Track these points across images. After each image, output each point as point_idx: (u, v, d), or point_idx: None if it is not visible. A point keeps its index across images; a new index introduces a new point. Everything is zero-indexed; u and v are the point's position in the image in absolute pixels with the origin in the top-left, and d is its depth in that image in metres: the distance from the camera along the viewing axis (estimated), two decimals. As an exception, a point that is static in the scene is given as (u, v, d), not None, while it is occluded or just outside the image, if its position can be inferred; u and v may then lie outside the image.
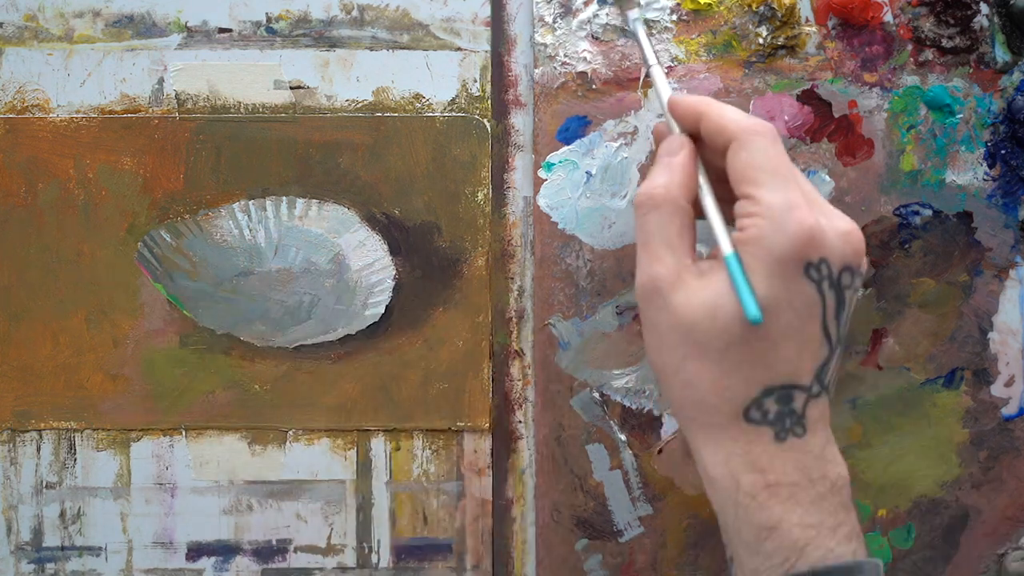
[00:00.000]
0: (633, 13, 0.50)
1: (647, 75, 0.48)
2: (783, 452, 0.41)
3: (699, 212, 0.44)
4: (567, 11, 0.53)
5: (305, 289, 0.53)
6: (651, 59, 0.48)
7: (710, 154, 0.44)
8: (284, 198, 0.53)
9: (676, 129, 0.45)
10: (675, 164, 0.43)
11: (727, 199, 0.43)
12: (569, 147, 0.53)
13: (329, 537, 0.54)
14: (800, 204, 0.41)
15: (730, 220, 0.43)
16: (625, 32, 0.53)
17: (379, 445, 0.54)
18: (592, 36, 0.53)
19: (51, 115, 0.53)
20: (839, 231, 0.41)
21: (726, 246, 0.41)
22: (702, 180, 0.44)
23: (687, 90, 0.53)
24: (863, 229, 0.54)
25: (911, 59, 0.54)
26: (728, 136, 0.42)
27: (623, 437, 0.54)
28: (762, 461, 0.41)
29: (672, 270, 0.42)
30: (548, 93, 0.53)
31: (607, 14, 0.53)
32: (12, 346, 0.53)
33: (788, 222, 0.40)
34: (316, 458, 0.54)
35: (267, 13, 0.53)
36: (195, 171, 0.53)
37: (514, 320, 0.54)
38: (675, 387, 0.42)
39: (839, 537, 0.41)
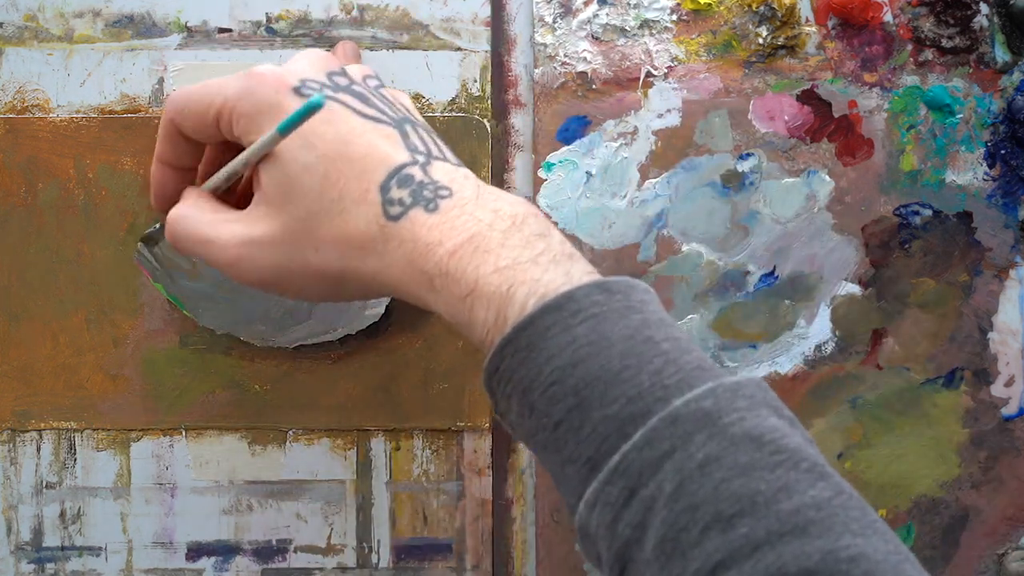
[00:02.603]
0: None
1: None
2: (442, 217, 0.40)
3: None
4: (567, 11, 0.53)
5: (305, 289, 0.53)
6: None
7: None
8: (284, 198, 0.53)
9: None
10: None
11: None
12: (569, 147, 0.53)
13: (329, 537, 0.54)
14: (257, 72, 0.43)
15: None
16: (626, 32, 0.53)
17: (379, 445, 0.54)
18: (592, 36, 0.53)
19: (51, 115, 0.53)
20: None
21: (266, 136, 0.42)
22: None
23: (687, 90, 0.54)
24: (863, 230, 0.54)
25: (911, 59, 0.54)
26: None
27: (623, 437, 0.54)
28: (433, 236, 0.39)
29: (220, 231, 0.43)
30: (548, 93, 0.53)
31: (607, 14, 0.53)
32: (12, 346, 0.53)
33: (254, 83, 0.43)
34: (316, 458, 0.54)
35: (267, 13, 0.53)
36: (195, 171, 0.53)
37: (514, 320, 0.54)
38: (330, 281, 0.42)
39: (543, 264, 0.38)
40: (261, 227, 0.42)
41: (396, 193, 0.40)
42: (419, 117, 0.45)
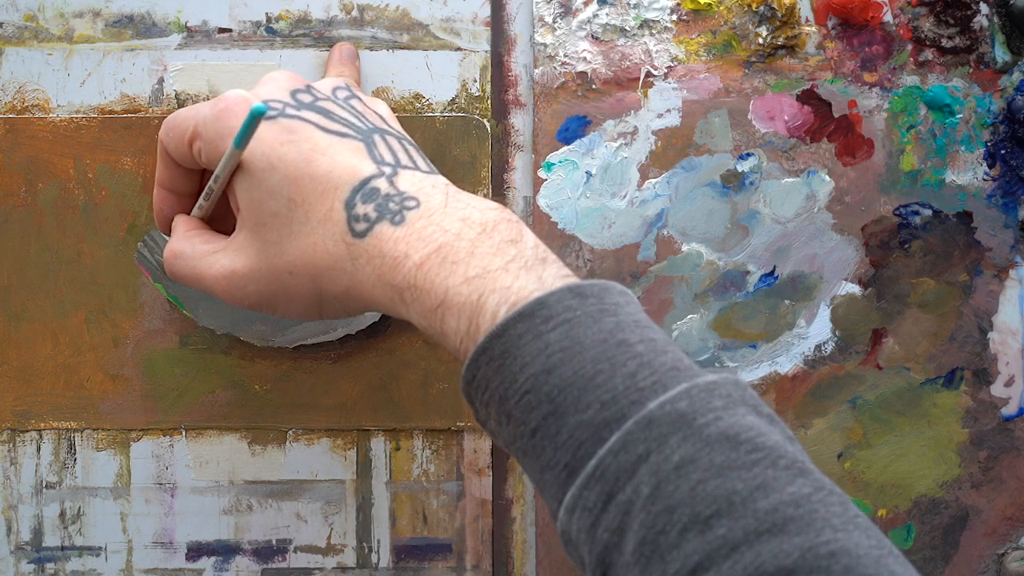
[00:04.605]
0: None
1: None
2: (408, 229, 0.40)
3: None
4: (567, 11, 0.53)
5: (305, 289, 0.53)
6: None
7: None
8: (284, 198, 0.53)
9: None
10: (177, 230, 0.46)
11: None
12: (569, 147, 0.53)
13: (329, 537, 0.54)
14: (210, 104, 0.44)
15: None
16: (626, 32, 0.53)
17: (379, 445, 0.54)
18: (592, 36, 0.53)
19: (51, 115, 0.53)
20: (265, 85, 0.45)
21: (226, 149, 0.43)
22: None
23: (687, 90, 0.54)
24: (863, 230, 0.54)
25: (911, 59, 0.54)
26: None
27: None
28: (399, 250, 0.39)
29: (206, 257, 0.44)
30: (548, 93, 0.53)
31: (607, 14, 0.53)
32: (12, 346, 0.53)
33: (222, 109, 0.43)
34: (316, 458, 0.54)
35: (267, 13, 0.53)
36: (195, 171, 0.53)
37: (514, 320, 0.54)
38: (305, 301, 0.43)
39: (514, 271, 0.38)
40: (241, 258, 0.43)
41: (361, 209, 0.41)
42: (393, 126, 0.45)
